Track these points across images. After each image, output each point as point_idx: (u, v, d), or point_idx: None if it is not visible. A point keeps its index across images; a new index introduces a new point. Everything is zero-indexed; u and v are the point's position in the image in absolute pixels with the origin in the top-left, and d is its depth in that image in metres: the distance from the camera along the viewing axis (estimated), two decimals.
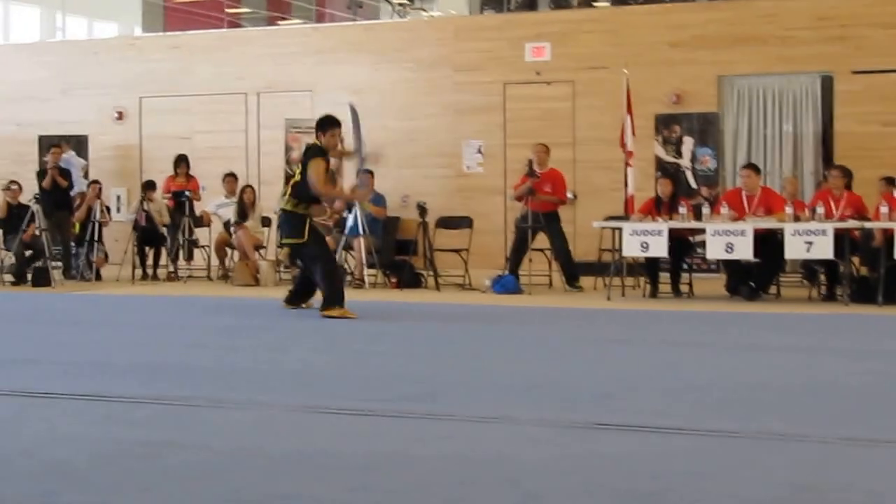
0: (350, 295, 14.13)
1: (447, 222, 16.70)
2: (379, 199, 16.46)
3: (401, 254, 16.31)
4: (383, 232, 16.50)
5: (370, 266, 15.78)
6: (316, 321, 11.40)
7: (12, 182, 17.17)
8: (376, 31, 20.87)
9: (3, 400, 6.48)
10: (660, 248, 13.70)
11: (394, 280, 15.77)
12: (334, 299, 11.58)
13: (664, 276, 14.57)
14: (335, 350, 9.19)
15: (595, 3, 21.88)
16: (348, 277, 16.08)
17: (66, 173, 17.75)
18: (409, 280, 15.62)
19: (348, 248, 16.00)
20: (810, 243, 13.10)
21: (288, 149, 18.30)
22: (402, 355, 8.80)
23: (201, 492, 4.51)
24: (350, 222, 15.78)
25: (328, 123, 12.15)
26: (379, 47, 20.21)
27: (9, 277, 16.35)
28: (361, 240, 15.58)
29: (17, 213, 16.56)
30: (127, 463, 4.89)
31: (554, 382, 7.35)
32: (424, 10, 23.02)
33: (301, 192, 11.88)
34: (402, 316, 12.28)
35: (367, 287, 15.53)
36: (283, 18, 25.52)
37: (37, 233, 16.18)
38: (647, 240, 13.65)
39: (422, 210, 15.37)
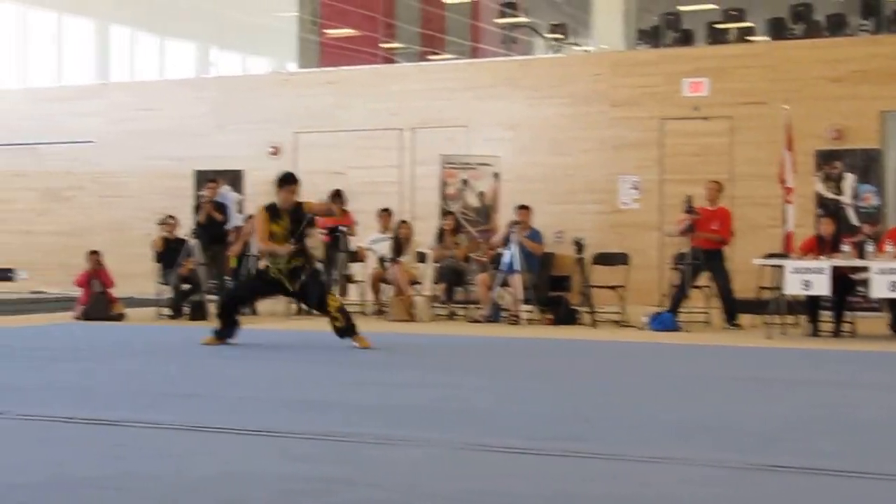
0: (506, 331, 14.15)
1: (603, 258, 16.61)
2: (535, 235, 16.42)
3: (556, 290, 16.24)
4: (539, 268, 16.46)
5: (526, 302, 15.75)
6: (467, 357, 11.45)
7: (169, 216, 17.44)
8: (531, 67, 20.92)
9: (173, 434, 6.57)
10: (822, 286, 13.45)
11: (549, 316, 15.73)
12: None
13: (825, 315, 14.30)
14: (494, 387, 9.16)
15: (752, 38, 21.61)
16: (504, 314, 16.09)
17: (221, 208, 17.93)
18: (565, 316, 15.56)
19: (504, 284, 15.99)
20: None
21: (444, 185, 18.37)
22: (562, 392, 8.74)
23: None
24: (506, 259, 15.79)
25: (284, 181, 12.48)
26: (534, 82, 20.26)
27: (166, 311, 16.65)
28: (517, 276, 15.57)
29: (175, 247, 16.79)
30: (302, 500, 4.92)
31: (719, 422, 7.22)
32: (579, 45, 22.97)
33: None
34: (559, 353, 12.24)
35: (522, 323, 15.50)
36: (436, 53, 25.68)
37: (193, 267, 16.40)
38: (808, 278, 13.42)
39: (578, 246, 15.29)
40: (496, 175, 18.49)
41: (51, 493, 5.00)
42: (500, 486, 5.24)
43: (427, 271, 17.66)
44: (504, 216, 17.50)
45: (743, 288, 15.45)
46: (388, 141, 21.02)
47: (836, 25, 20.56)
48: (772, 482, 5.41)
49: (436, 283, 17.33)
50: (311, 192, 20.27)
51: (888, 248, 13.66)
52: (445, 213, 17.67)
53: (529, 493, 5.09)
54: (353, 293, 18.10)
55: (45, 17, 27.74)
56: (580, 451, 6.01)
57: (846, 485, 5.35)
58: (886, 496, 5.17)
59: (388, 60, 23.83)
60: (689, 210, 15.10)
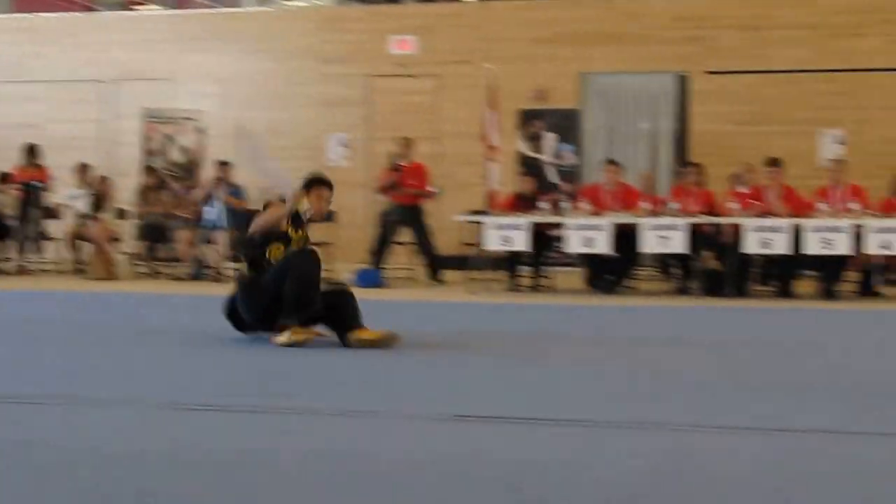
0: (208, 289, 14.04)
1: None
2: (237, 192, 16.12)
3: None
4: (245, 225, 16.18)
5: (232, 260, 15.58)
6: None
7: None
8: (240, 20, 20.68)
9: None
10: (521, 242, 13.81)
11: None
12: None
13: (525, 270, 14.69)
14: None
15: None
16: (207, 271, 15.88)
17: None
18: None
19: (208, 241, 15.77)
20: (665, 238, 13.38)
21: (146, 140, 17.95)
22: (258, 355, 8.64)
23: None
24: (210, 215, 15.59)
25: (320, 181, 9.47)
26: (242, 36, 20.02)
27: None
28: (221, 233, 15.38)
29: None
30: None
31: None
32: (289, 0, 22.86)
33: None
34: None
35: (225, 281, 15.34)
36: (142, 4, 25.11)
37: None
38: (508, 234, 13.76)
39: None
40: (201, 130, 18.19)
41: None
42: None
43: (128, 228, 17.25)
44: (210, 172, 17.25)
45: (448, 244, 15.69)
46: (87, 94, 20.37)
47: None
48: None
49: (138, 240, 16.95)
50: (4, 148, 19.55)
51: (583, 204, 14.14)
52: (148, 168, 17.28)
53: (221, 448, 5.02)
54: (50, 251, 17.52)
55: None
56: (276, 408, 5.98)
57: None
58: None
59: (88, 9, 23.11)
60: (394, 167, 15.21)
